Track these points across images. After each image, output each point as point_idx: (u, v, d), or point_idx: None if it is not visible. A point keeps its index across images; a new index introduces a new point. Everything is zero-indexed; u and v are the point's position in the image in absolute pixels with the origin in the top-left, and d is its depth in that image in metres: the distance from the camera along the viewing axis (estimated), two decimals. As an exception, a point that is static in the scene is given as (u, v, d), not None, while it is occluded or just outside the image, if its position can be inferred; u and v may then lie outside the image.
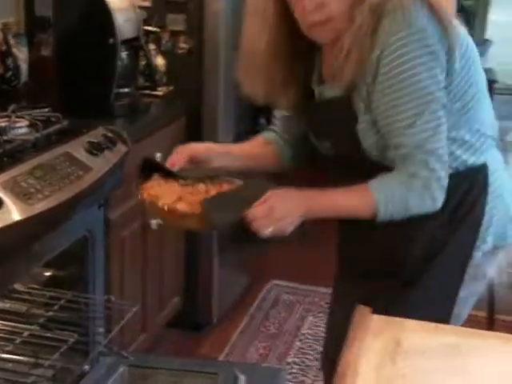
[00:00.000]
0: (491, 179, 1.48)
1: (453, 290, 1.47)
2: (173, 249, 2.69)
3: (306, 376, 2.68)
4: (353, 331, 1.19)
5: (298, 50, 1.49)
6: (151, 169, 1.54)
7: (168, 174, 1.52)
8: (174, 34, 2.68)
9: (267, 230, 1.32)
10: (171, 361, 2.09)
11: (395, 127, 1.37)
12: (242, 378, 1.93)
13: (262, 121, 2.99)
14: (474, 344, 1.15)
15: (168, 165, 1.54)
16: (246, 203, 1.35)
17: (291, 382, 2.64)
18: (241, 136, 2.93)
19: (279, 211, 1.34)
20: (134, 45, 2.33)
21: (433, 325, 1.18)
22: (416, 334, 1.17)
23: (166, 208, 1.40)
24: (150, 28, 2.59)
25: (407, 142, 1.36)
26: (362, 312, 1.24)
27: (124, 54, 2.27)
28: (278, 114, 1.67)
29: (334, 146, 1.51)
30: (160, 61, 2.66)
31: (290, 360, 2.79)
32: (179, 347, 2.77)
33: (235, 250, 2.34)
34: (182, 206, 1.39)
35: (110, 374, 1.86)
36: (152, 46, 2.62)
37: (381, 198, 1.37)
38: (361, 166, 1.45)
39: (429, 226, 1.43)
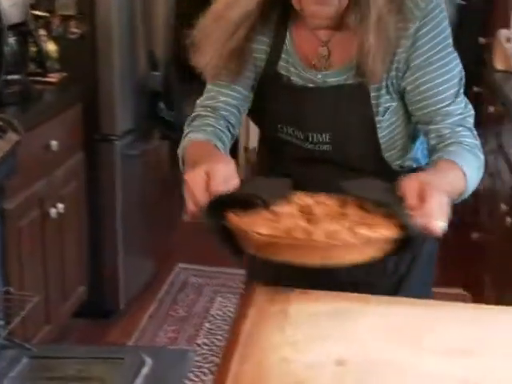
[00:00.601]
0: None
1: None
2: (74, 237, 2.66)
3: (215, 356, 2.71)
4: (240, 306, 1.22)
5: (269, 25, 1.38)
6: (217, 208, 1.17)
7: (244, 205, 1.16)
8: (65, 19, 2.63)
9: (442, 223, 1.11)
10: (76, 349, 2.08)
11: (446, 96, 1.33)
12: (149, 362, 1.94)
13: (161, 105, 2.99)
14: (361, 309, 1.19)
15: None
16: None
17: (201, 362, 2.67)
18: (140, 121, 2.93)
19: (443, 200, 1.13)
20: (23, 30, 2.29)
21: (320, 293, 1.22)
22: (303, 303, 1.20)
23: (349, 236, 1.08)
24: (38, 13, 2.54)
25: (456, 110, 1.34)
26: (249, 286, 1.27)
27: (12, 40, 2.22)
28: (220, 97, 1.42)
29: (334, 141, 1.39)
30: (51, 46, 2.61)
31: (199, 341, 2.82)
32: (87, 336, 2.75)
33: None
34: (364, 230, 1.09)
35: (12, 366, 1.83)
36: (42, 32, 2.57)
37: (467, 172, 1.27)
38: (359, 166, 1.39)
39: None
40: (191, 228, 3.62)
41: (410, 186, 1.14)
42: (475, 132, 1.35)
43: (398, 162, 1.43)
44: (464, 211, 3.67)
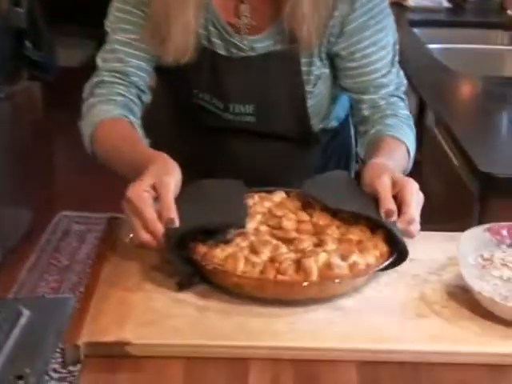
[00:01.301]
0: None
1: None
2: None
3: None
4: (100, 247, 1.18)
5: None
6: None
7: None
8: None
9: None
10: None
11: (382, 65, 1.26)
12: (26, 313, 1.87)
13: (28, 44, 2.83)
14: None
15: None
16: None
17: (85, 310, 2.61)
18: (4, 61, 2.76)
19: (421, 198, 1.08)
20: None
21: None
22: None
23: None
24: None
25: (391, 80, 1.29)
26: (113, 223, 1.22)
27: None
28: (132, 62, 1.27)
29: (258, 112, 1.31)
30: None
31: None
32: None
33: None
34: (358, 258, 1.02)
35: None
36: None
37: (411, 148, 1.26)
38: (283, 135, 1.33)
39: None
40: (72, 173, 3.55)
41: (383, 187, 1.05)
42: (407, 102, 1.33)
43: (321, 126, 1.40)
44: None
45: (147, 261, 1.10)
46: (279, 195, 1.19)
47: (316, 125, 1.38)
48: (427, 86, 2.05)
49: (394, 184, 1.07)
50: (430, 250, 1.15)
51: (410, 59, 2.11)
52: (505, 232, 1.09)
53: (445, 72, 2.18)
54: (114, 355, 0.93)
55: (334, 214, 1.12)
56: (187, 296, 1.03)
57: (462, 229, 1.09)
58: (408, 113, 1.32)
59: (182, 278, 1.03)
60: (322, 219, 1.11)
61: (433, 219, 2.00)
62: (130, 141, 1.18)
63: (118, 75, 1.26)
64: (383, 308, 1.01)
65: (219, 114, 1.33)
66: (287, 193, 1.20)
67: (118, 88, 1.25)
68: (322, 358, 0.93)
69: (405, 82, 1.34)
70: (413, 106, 1.95)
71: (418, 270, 1.10)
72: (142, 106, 1.29)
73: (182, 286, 1.03)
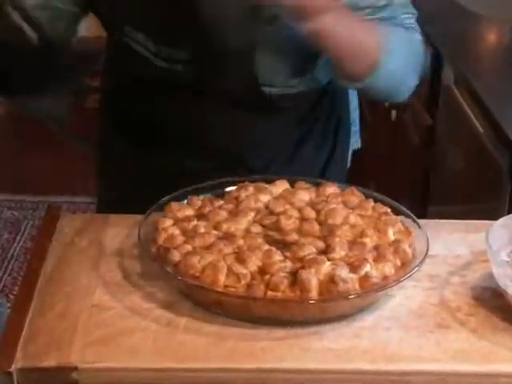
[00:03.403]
0: None
1: None
2: None
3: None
4: (39, 239, 1.17)
5: None
6: None
7: None
8: None
9: None
10: None
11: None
12: None
13: None
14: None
15: None
16: None
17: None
18: None
19: None
20: None
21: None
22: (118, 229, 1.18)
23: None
24: None
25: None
26: (54, 212, 1.22)
27: None
28: None
29: (195, 60, 1.31)
30: None
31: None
32: None
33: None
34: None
35: None
36: None
37: (386, 38, 1.29)
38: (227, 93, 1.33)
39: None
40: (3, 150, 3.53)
41: None
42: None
43: (283, 89, 1.35)
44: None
45: (98, 258, 1.10)
46: (281, 186, 1.17)
47: (274, 86, 1.35)
48: (444, 36, 2.05)
49: None
50: (450, 243, 1.15)
51: (424, 2, 2.10)
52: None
53: (466, 17, 2.17)
54: (56, 384, 0.92)
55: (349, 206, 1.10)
56: (150, 305, 1.02)
57: (489, 213, 1.09)
58: (419, 37, 1.36)
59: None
60: (332, 216, 1.09)
61: (451, 201, 2.01)
62: None
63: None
64: (394, 318, 1.01)
65: (152, 61, 1.33)
66: (292, 183, 1.18)
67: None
68: (319, 382, 0.93)
69: (414, 11, 1.37)
70: (426, 62, 1.94)
71: (437, 270, 1.10)
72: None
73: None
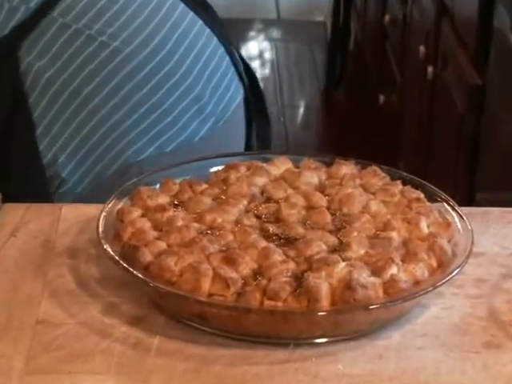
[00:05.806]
0: None
1: None
2: None
3: None
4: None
5: None
6: None
7: None
8: None
9: None
10: None
11: None
12: None
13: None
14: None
15: None
16: None
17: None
18: None
19: None
20: None
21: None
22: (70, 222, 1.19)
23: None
24: None
25: None
26: None
27: None
28: None
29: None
30: None
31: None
32: None
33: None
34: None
35: None
36: None
37: None
38: None
39: None
40: None
41: None
42: None
43: None
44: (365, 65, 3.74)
45: (45, 259, 1.10)
46: (282, 165, 1.18)
47: None
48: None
49: None
50: (501, 237, 1.16)
51: None
52: None
53: None
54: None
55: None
56: (112, 321, 1.02)
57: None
58: None
59: None
60: (347, 204, 1.10)
61: (505, 185, 2.00)
62: None
63: None
64: (429, 335, 1.01)
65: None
66: (296, 161, 1.19)
67: None
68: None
69: None
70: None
71: (485, 272, 1.10)
72: None
73: None
